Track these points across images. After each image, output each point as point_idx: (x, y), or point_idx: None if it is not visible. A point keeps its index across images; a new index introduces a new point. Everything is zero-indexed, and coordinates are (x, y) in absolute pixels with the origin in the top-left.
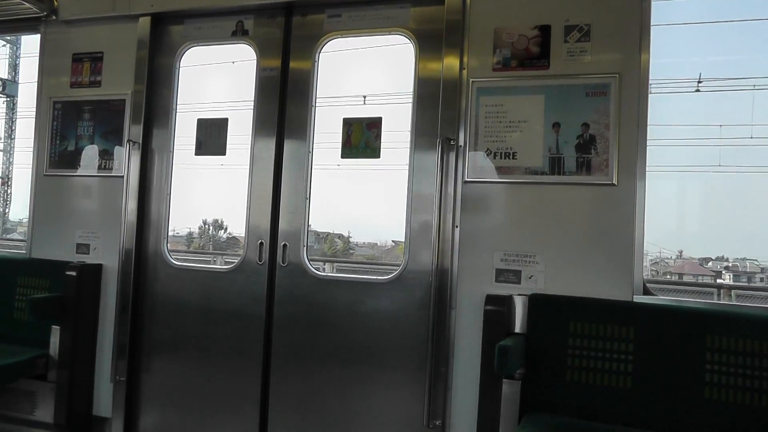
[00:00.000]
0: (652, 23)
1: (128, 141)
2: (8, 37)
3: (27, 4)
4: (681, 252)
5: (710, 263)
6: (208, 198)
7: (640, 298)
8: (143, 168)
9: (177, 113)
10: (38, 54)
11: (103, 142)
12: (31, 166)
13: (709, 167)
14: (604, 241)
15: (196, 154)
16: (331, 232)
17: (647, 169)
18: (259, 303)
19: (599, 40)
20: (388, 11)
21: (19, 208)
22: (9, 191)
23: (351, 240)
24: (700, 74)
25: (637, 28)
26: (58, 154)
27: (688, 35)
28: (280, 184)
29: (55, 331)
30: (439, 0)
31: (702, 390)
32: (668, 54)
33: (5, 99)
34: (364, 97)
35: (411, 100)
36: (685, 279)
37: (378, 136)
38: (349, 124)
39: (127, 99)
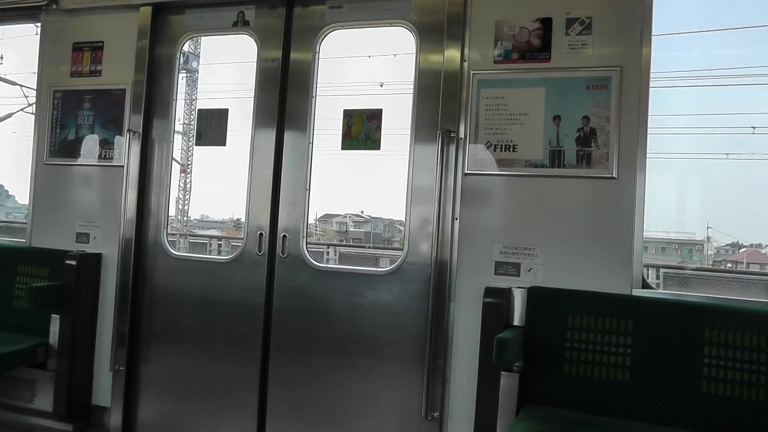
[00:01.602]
0: (653, 16)
1: (128, 131)
2: None
3: None
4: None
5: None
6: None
7: (638, 292)
8: (143, 158)
9: (177, 103)
10: (38, 43)
11: (103, 132)
12: (31, 155)
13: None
14: (603, 234)
15: (197, 144)
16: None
17: (648, 159)
18: (258, 294)
19: (600, 33)
20: (390, 3)
21: None
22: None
23: None
24: None
25: (639, 21)
26: (58, 143)
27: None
28: (280, 175)
29: (55, 319)
30: None
31: (700, 384)
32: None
33: None
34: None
35: (412, 91)
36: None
37: (378, 127)
38: (349, 115)
39: (127, 89)
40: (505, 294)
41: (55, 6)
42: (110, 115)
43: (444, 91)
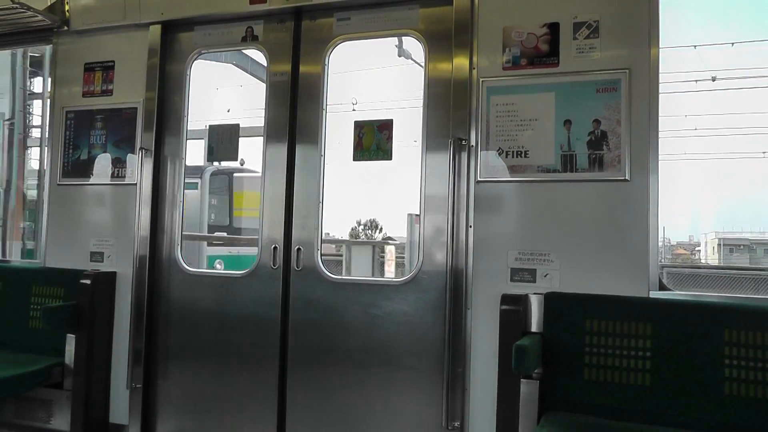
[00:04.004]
0: (660, 17)
1: (140, 149)
2: None
3: (39, 16)
4: None
5: None
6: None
7: (656, 294)
8: (156, 175)
9: (188, 120)
10: (50, 64)
11: (115, 151)
12: (45, 176)
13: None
14: (618, 237)
15: (208, 160)
16: None
17: (660, 162)
18: (274, 307)
19: (608, 36)
20: (397, 13)
21: None
22: None
23: None
24: None
25: (646, 23)
26: (71, 163)
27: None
28: (293, 188)
29: (71, 339)
30: (448, 0)
31: (721, 385)
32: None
33: None
34: None
35: (422, 100)
36: None
37: (389, 137)
38: (360, 126)
39: (138, 107)
40: (522, 301)
41: (66, 28)
42: (122, 133)
43: (454, 99)
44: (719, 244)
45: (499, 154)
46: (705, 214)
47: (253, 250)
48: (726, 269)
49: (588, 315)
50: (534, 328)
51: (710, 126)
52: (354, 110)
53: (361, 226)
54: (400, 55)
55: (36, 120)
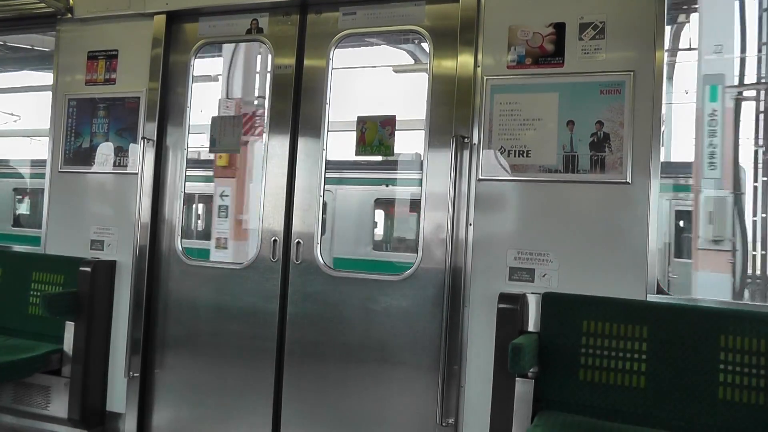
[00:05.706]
0: (666, 21)
1: (143, 138)
2: None
3: (43, 3)
4: None
5: None
6: None
7: (653, 297)
8: (157, 165)
9: (191, 111)
10: (54, 52)
11: (117, 140)
12: (47, 163)
13: None
14: (617, 239)
15: (210, 151)
16: None
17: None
18: (272, 300)
19: (614, 38)
20: (403, 9)
21: None
22: None
23: None
24: None
25: (652, 26)
26: (72, 151)
27: None
28: (294, 181)
29: (69, 326)
30: None
31: (716, 390)
32: None
33: None
34: None
35: (426, 97)
36: None
37: (392, 133)
38: (363, 122)
39: (141, 96)
40: (520, 300)
41: (70, 15)
42: (125, 122)
43: (458, 96)
44: None
45: (501, 153)
46: None
47: None
48: None
49: (585, 316)
50: (531, 328)
51: None
52: None
53: None
54: None
55: None
